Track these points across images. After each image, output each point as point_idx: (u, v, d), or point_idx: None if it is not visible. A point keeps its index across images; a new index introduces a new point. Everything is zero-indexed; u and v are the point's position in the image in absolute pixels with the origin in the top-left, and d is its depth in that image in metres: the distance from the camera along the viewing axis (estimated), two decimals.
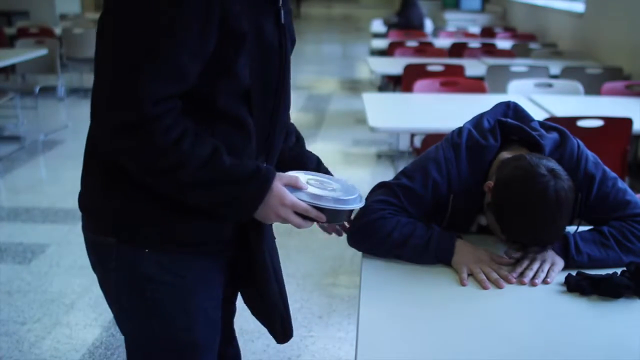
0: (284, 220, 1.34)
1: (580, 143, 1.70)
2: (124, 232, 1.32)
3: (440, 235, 1.62)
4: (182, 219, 1.31)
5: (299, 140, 1.69)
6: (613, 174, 1.70)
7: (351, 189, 1.42)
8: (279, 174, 1.34)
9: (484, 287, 1.51)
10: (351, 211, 1.36)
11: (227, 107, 1.28)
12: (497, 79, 4.79)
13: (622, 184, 1.70)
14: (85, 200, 1.38)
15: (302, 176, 1.40)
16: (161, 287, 1.34)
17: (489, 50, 6.29)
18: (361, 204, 1.39)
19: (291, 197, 1.32)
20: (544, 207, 1.48)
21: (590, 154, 1.70)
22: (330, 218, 1.36)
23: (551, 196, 1.47)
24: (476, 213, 1.73)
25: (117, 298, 1.39)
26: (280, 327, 1.52)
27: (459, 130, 1.72)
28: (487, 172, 1.66)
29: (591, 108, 3.62)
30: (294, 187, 1.34)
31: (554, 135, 1.68)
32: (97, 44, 1.20)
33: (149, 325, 1.38)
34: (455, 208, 1.69)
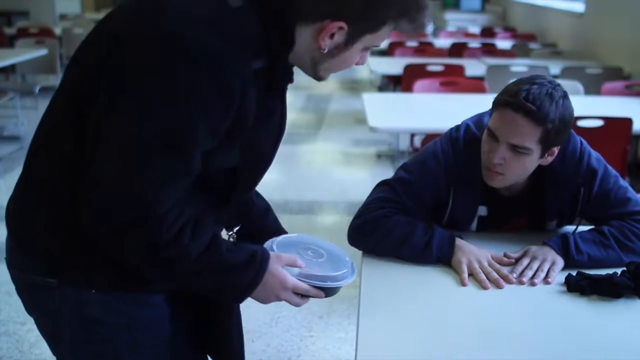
0: (281, 300, 1.30)
1: (583, 140, 1.72)
2: (67, 274, 1.21)
3: (440, 235, 1.62)
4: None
5: (269, 210, 1.54)
6: (615, 172, 1.71)
7: (340, 257, 1.39)
8: (277, 255, 1.28)
9: (484, 287, 1.51)
10: None
11: (209, 183, 1.21)
12: (497, 79, 4.79)
13: (624, 182, 1.71)
14: (21, 236, 1.24)
15: (288, 238, 1.39)
16: (109, 329, 1.24)
17: (489, 50, 6.29)
18: (355, 275, 1.37)
19: (292, 280, 1.27)
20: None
21: (593, 152, 1.71)
22: (328, 294, 1.34)
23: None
24: (477, 206, 1.73)
25: (60, 344, 1.28)
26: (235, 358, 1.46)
27: (457, 126, 1.74)
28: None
29: (591, 108, 3.61)
30: (292, 266, 1.29)
31: None
32: (102, 133, 1.09)
33: None
34: (456, 201, 1.69)
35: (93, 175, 1.09)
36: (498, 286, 1.52)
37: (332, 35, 1.16)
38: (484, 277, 1.53)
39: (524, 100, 1.52)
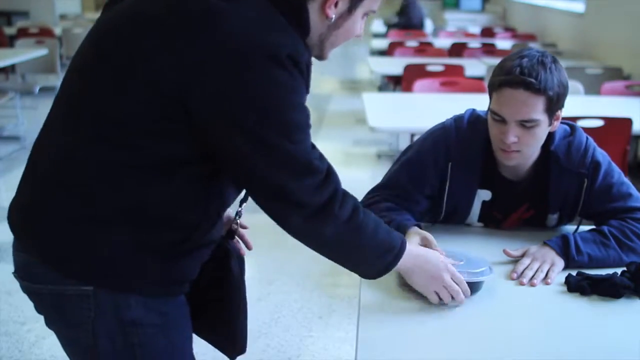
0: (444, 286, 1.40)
1: (589, 137, 1.74)
2: (106, 280, 1.20)
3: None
4: (168, 259, 1.24)
5: None
6: (618, 169, 1.73)
7: (478, 260, 1.51)
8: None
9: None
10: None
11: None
12: None
13: (626, 179, 1.73)
14: (53, 246, 1.20)
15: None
16: (147, 330, 1.25)
17: (489, 50, 6.29)
18: (492, 272, 1.50)
19: (448, 263, 1.42)
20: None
21: (599, 148, 1.74)
22: (473, 289, 1.45)
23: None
24: (477, 186, 1.74)
25: (94, 352, 1.24)
26: (237, 350, 1.47)
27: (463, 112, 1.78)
28: (486, 143, 1.69)
29: (591, 108, 3.61)
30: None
31: (563, 126, 1.73)
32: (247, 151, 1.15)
33: None
34: (454, 179, 1.71)
35: (270, 192, 1.18)
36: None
37: (336, 4, 1.22)
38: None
39: (521, 75, 1.55)
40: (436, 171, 1.71)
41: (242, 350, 1.47)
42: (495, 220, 1.82)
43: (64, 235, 1.19)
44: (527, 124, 1.58)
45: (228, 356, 1.48)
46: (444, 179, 1.72)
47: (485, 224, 1.83)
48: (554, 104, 1.58)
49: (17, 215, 1.26)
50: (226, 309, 1.42)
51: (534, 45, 7.11)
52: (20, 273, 1.27)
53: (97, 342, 1.23)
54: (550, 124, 1.63)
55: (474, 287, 1.45)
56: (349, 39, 1.30)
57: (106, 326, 1.22)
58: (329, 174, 1.22)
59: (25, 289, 1.28)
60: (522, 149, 1.62)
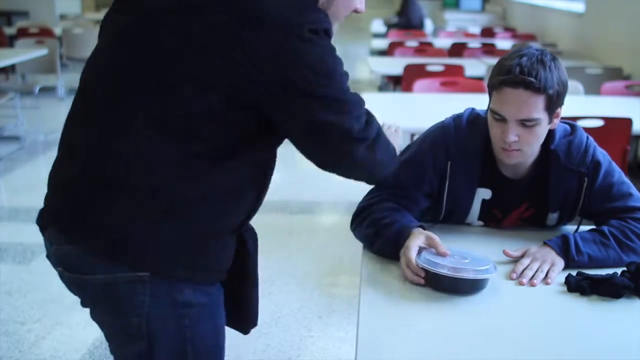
0: None
1: (590, 136, 1.75)
2: (162, 268, 1.23)
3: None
4: (220, 247, 1.31)
5: None
6: (619, 169, 1.74)
7: (483, 260, 1.52)
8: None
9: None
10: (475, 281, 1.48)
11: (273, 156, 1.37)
12: None
13: (627, 179, 1.73)
14: (107, 240, 1.21)
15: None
16: (196, 310, 1.29)
17: (489, 50, 6.28)
18: (495, 271, 1.50)
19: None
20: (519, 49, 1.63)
21: (599, 148, 1.74)
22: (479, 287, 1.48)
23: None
24: (476, 185, 1.75)
25: (146, 337, 1.26)
26: (251, 323, 1.51)
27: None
28: (486, 141, 1.69)
29: (591, 108, 3.61)
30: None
31: (564, 125, 1.73)
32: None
33: (184, 355, 1.30)
34: (454, 178, 1.71)
35: (334, 126, 1.23)
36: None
37: None
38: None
39: (520, 75, 1.55)
40: (435, 170, 1.71)
41: (255, 322, 1.51)
42: (496, 219, 1.82)
43: (123, 227, 1.21)
44: (527, 123, 1.59)
45: (242, 331, 1.51)
46: (444, 178, 1.72)
47: (485, 223, 1.83)
48: (554, 102, 1.59)
49: (61, 211, 1.27)
50: (242, 285, 1.45)
51: (534, 45, 7.11)
52: (66, 266, 1.27)
53: (150, 326, 1.25)
54: (550, 121, 1.63)
55: (480, 284, 1.47)
56: (349, 11, 1.34)
57: (160, 310, 1.25)
58: (368, 109, 1.32)
59: (71, 282, 1.29)
60: (523, 148, 1.63)
